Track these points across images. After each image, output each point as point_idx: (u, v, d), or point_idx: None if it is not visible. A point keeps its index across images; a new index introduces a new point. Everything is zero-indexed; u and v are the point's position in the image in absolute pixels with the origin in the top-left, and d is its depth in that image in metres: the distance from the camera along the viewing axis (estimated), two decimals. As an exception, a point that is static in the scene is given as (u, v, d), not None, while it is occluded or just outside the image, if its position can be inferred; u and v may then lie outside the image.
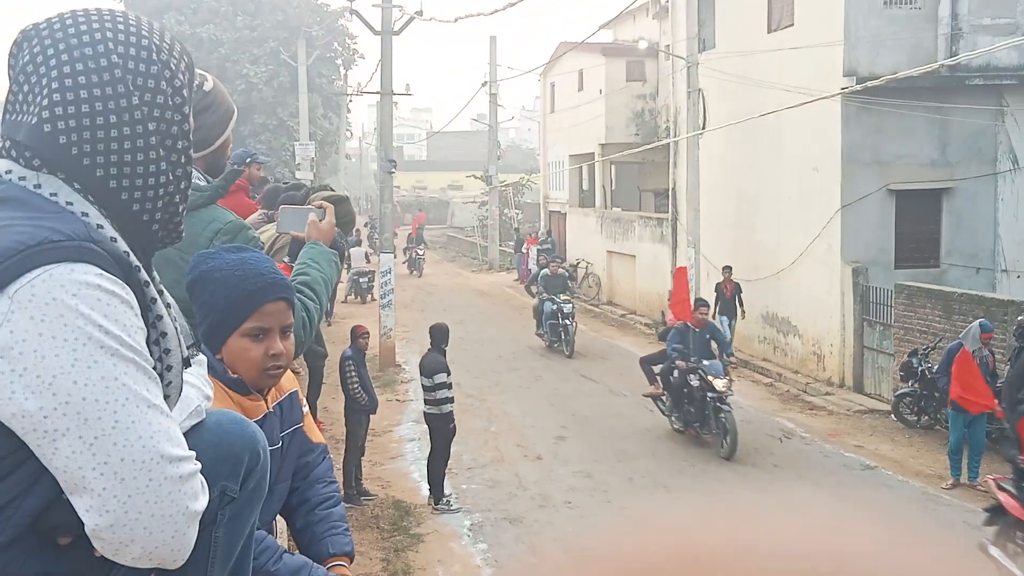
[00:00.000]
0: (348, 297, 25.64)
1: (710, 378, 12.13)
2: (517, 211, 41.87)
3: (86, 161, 1.35)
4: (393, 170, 19.22)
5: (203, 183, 2.55)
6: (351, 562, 2.52)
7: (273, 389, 2.37)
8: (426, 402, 10.47)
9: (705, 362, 12.45)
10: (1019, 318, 11.25)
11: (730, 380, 12.54)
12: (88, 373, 1.25)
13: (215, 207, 2.57)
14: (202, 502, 1.35)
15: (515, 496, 10.60)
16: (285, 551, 2.14)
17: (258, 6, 32.69)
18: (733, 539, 0.56)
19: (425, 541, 9.34)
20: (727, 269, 18.28)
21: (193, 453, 1.36)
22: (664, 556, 0.56)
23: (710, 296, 17.81)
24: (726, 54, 19.18)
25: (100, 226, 1.35)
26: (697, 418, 12.43)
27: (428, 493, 10.42)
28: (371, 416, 11.04)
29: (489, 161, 36.57)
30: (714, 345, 13.09)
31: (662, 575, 0.55)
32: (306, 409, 2.59)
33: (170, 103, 1.41)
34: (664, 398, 13.19)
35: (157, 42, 1.42)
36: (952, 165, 16.27)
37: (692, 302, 13.63)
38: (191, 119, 1.48)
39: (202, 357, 1.65)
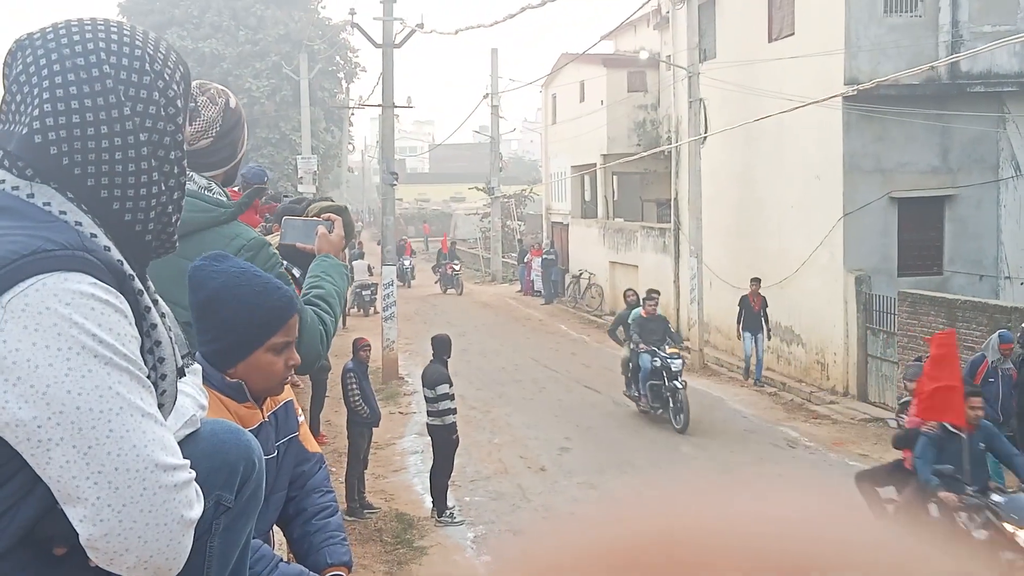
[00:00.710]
0: (351, 310, 25.66)
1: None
2: (520, 223, 41.89)
3: (77, 171, 1.35)
4: (395, 183, 19.26)
5: (224, 199, 2.55)
6: (349, 572, 2.52)
7: (268, 399, 2.37)
8: (429, 413, 10.46)
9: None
10: (1023, 324, 11.21)
11: None
12: (82, 382, 1.24)
13: (237, 223, 2.56)
14: (197, 510, 1.35)
15: (518, 508, 10.57)
16: (281, 560, 2.14)
17: (260, 20, 32.84)
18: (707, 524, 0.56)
19: (428, 554, 9.32)
20: (755, 281, 17.15)
21: (187, 462, 1.35)
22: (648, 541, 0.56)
23: (735, 310, 17.40)
24: (727, 64, 19.21)
25: (94, 235, 1.35)
26: None
27: (431, 506, 10.40)
28: (374, 429, 11.03)
29: (491, 173, 36.63)
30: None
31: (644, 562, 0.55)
32: (302, 419, 2.60)
33: (163, 113, 1.41)
34: None
35: (151, 52, 1.42)
36: (954, 172, 16.27)
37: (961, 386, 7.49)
38: (186, 128, 1.48)
39: (197, 366, 1.65)
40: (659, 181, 26.99)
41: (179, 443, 1.39)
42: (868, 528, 0.57)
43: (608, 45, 29.62)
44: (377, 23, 19.19)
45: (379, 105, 19.95)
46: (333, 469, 11.30)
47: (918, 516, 6.88)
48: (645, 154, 23.85)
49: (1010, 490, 7.26)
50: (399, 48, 19.17)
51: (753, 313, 16.98)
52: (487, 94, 35.83)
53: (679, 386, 13.49)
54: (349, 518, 10.05)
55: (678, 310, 22.50)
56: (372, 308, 25.70)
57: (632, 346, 14.42)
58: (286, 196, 6.65)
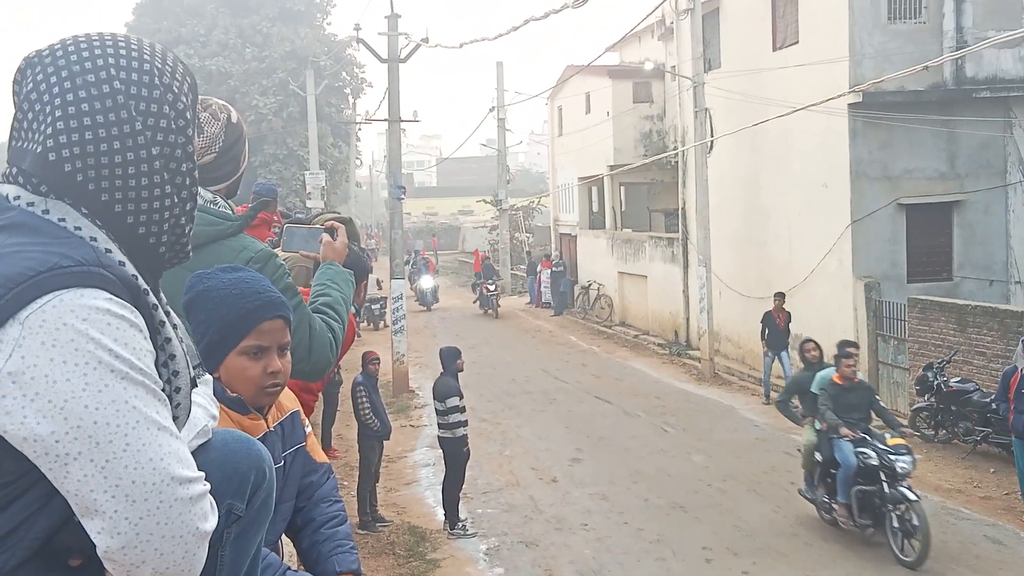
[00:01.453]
0: (360, 324, 25.66)
1: None
2: (528, 234, 41.91)
3: (91, 187, 1.36)
4: (403, 196, 19.31)
5: (229, 212, 2.57)
6: None
7: (274, 409, 2.37)
8: (440, 426, 10.46)
9: None
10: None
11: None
12: (99, 397, 1.26)
13: (243, 236, 2.58)
14: (212, 522, 1.36)
15: (531, 519, 10.56)
16: (288, 568, 2.14)
17: (266, 38, 33.03)
18: None
19: (441, 566, 9.31)
20: (779, 296, 16.56)
21: (203, 474, 1.36)
22: None
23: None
24: (732, 73, 19.23)
25: (108, 250, 1.36)
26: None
27: (443, 518, 10.39)
28: (385, 442, 11.04)
29: (499, 185, 36.69)
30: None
31: None
32: (309, 429, 2.59)
33: (173, 126, 1.43)
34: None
35: (159, 65, 1.44)
36: (962, 178, 16.25)
37: None
38: (195, 140, 1.49)
39: (208, 377, 1.66)
40: (666, 191, 27.01)
41: (192, 453, 1.40)
42: None
43: (613, 56, 29.68)
44: (382, 38, 19.28)
45: (386, 120, 20.03)
46: (345, 483, 11.30)
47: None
48: (650, 160, 23.87)
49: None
50: (404, 63, 19.24)
51: (779, 330, 16.36)
52: (493, 107, 35.92)
53: (909, 495, 8.93)
54: (362, 531, 10.05)
55: (688, 320, 22.51)
56: (382, 322, 25.74)
57: (819, 427, 9.95)
58: (299, 214, 6.68)
